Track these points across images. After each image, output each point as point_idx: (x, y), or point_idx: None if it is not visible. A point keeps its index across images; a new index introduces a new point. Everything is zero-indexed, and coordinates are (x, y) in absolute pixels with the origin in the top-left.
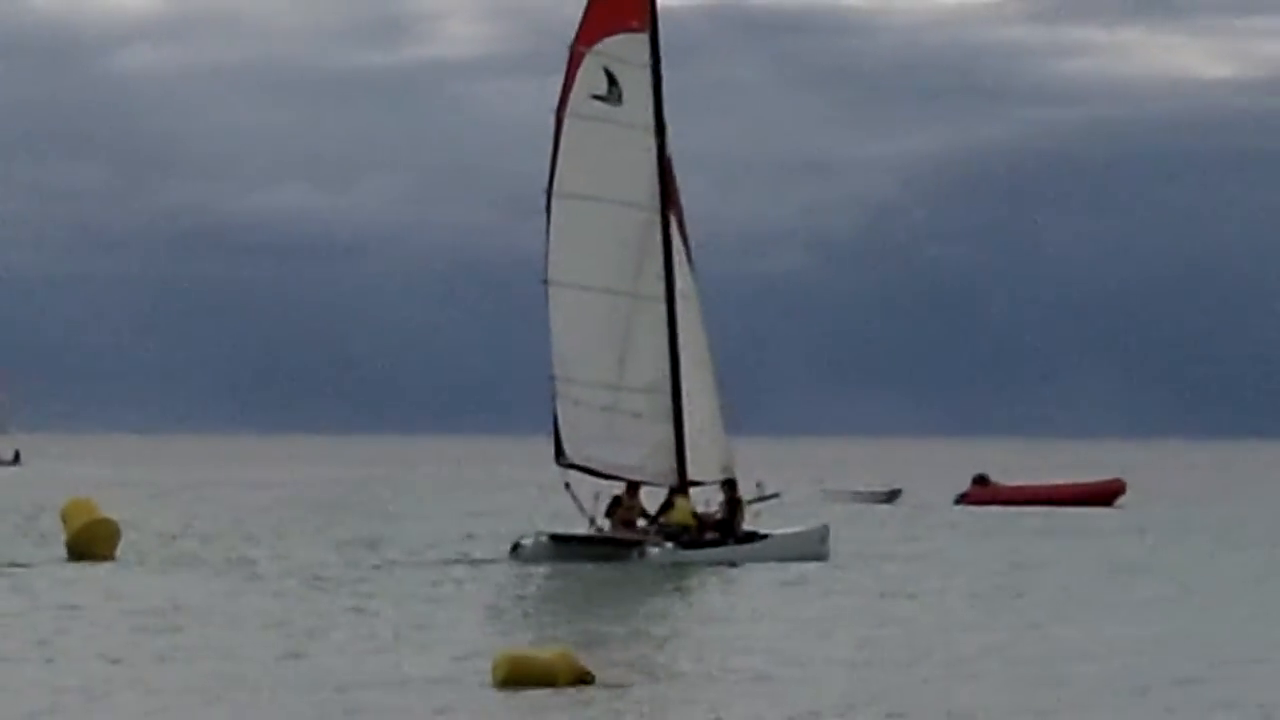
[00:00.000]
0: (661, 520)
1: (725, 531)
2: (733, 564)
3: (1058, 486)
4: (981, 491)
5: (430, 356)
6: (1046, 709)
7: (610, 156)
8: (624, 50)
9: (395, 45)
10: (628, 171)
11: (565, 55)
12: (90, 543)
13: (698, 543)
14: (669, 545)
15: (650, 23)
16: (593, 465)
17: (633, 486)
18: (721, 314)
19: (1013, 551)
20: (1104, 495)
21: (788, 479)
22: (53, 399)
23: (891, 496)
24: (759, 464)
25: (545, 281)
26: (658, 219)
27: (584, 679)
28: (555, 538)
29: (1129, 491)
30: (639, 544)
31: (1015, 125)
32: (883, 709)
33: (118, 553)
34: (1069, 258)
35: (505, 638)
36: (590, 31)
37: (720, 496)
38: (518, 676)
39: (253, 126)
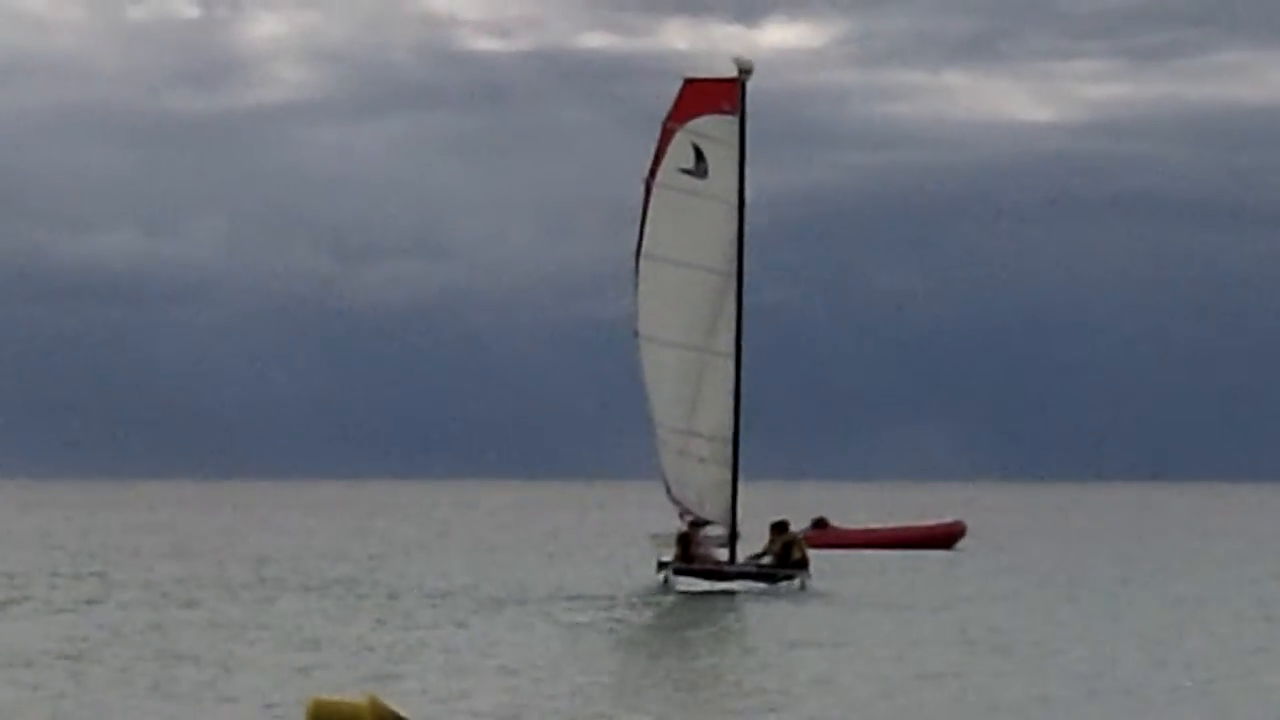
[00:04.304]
0: (769, 555)
1: (802, 565)
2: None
3: (897, 529)
4: (820, 534)
5: (255, 401)
6: None
7: (692, 224)
8: (714, 130)
9: (221, 89)
10: (708, 239)
11: (396, 102)
12: None
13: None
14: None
15: (740, 107)
16: (682, 503)
17: (696, 524)
18: (551, 356)
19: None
20: (944, 538)
21: (626, 522)
22: None
23: None
24: (592, 507)
25: (636, 334)
26: (732, 283)
27: None
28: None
29: (969, 534)
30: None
31: (841, 170)
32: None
33: None
34: (898, 301)
35: (372, 684)
36: (683, 110)
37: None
38: None
39: (79, 170)
